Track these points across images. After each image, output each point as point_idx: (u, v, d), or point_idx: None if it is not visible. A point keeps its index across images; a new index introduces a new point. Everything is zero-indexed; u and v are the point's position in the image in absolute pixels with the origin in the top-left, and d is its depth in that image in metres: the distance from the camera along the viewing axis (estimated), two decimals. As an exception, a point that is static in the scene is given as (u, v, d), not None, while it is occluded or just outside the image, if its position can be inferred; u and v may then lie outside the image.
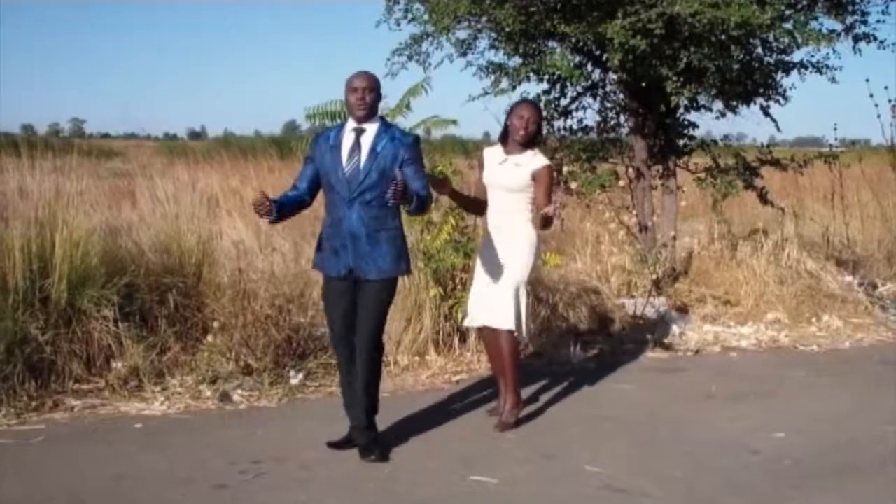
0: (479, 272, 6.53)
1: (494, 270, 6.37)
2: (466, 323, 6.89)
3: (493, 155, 6.59)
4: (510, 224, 6.45)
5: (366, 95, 5.74)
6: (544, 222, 6.36)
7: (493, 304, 6.38)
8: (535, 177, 6.43)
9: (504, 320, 6.35)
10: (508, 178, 6.46)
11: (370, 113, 5.80)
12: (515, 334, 6.43)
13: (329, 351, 7.19)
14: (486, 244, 6.54)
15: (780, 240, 10.56)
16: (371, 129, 5.79)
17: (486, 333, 6.62)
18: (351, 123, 5.84)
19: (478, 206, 6.69)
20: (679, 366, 8.39)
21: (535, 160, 6.49)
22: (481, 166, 6.64)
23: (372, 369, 5.91)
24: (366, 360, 5.84)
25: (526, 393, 7.27)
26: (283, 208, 5.69)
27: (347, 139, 5.78)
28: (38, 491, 5.25)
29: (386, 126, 5.93)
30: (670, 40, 9.22)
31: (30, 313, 6.87)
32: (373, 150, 5.73)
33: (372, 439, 5.90)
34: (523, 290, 6.43)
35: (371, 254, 5.72)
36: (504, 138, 6.61)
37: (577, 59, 10.38)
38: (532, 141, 6.55)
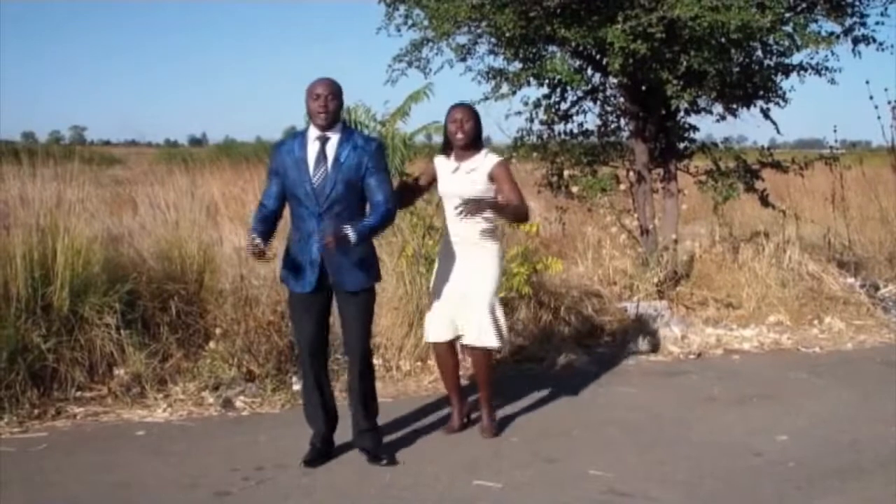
0: (446, 286, 6.27)
1: (465, 285, 6.18)
2: (432, 339, 6.38)
3: (445, 164, 6.35)
4: (473, 236, 6.23)
5: (328, 103, 5.62)
6: (510, 217, 6.44)
7: (471, 320, 6.20)
8: (492, 177, 6.22)
9: (485, 338, 6.20)
10: (464, 186, 6.20)
11: (333, 120, 5.69)
12: (496, 347, 6.32)
13: (331, 356, 7.16)
14: (448, 257, 6.30)
15: (781, 242, 10.57)
16: (334, 137, 5.69)
17: (440, 349, 6.39)
18: (314, 132, 5.68)
19: (404, 196, 6.45)
20: (681, 369, 8.39)
21: (487, 160, 6.26)
22: (431, 173, 6.44)
23: (368, 377, 5.97)
24: (361, 369, 5.87)
25: (529, 397, 7.29)
26: (267, 235, 5.61)
27: (312, 149, 5.66)
28: (40, 499, 5.26)
29: (349, 133, 5.84)
30: (670, 44, 9.21)
31: (32, 321, 6.87)
32: (336, 160, 5.63)
33: (378, 443, 5.96)
34: (497, 303, 6.32)
35: (345, 265, 5.66)
36: (447, 148, 6.41)
37: (578, 63, 10.37)
38: (475, 142, 6.31)
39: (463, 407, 6.53)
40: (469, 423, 6.54)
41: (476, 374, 6.47)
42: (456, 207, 6.12)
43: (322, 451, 5.88)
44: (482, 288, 6.22)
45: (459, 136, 6.21)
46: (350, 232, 5.43)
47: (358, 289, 5.74)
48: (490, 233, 6.31)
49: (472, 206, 6.00)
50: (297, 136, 5.81)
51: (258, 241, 5.47)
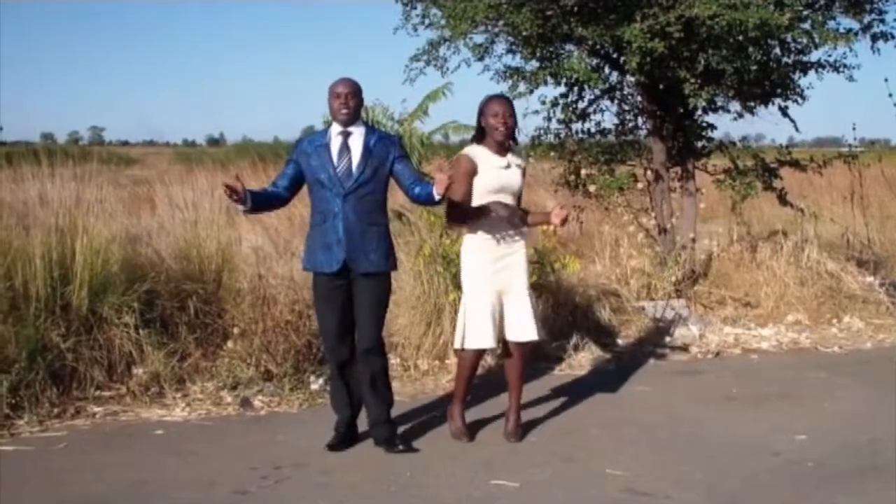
0: (488, 288, 6.08)
1: (505, 283, 6.14)
2: (485, 345, 6.11)
3: (489, 159, 6.10)
4: (514, 232, 6.17)
5: (348, 100, 5.97)
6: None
7: (521, 318, 6.13)
8: (524, 174, 6.31)
9: (536, 331, 6.17)
10: (516, 182, 6.17)
11: (353, 117, 6.02)
12: (540, 339, 6.31)
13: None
14: (488, 257, 6.10)
15: (799, 241, 10.53)
16: (357, 131, 6.02)
17: (474, 354, 6.17)
18: (336, 128, 6.03)
19: (464, 215, 6.17)
20: (699, 368, 8.37)
21: (520, 160, 6.30)
22: (472, 173, 6.07)
23: (381, 365, 6.13)
24: (374, 356, 6.05)
25: (546, 397, 7.29)
26: (258, 198, 5.87)
27: (335, 141, 5.99)
28: (60, 497, 5.28)
29: (370, 129, 6.20)
30: (688, 42, 9.20)
31: (51, 321, 6.91)
32: (366, 147, 5.97)
33: (393, 432, 6.11)
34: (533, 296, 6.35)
35: (363, 248, 5.92)
36: (480, 139, 6.22)
37: (595, 61, 10.37)
38: (514, 137, 6.30)
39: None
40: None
41: (517, 372, 6.33)
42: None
43: (346, 436, 6.12)
44: (524, 282, 6.21)
45: (503, 130, 6.10)
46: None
47: (374, 270, 5.96)
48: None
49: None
50: (321, 132, 6.20)
51: (243, 190, 5.69)
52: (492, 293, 6.09)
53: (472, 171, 6.08)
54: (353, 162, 5.92)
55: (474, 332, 6.09)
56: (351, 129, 5.99)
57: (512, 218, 6.05)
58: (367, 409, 6.15)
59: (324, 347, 6.22)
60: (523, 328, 6.16)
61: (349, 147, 5.96)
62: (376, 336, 6.05)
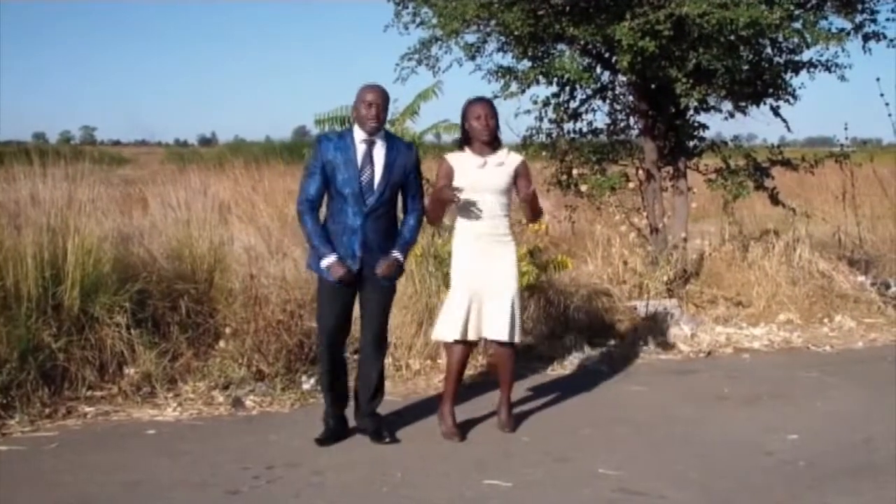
0: (470, 284, 6.21)
1: (490, 282, 6.21)
2: (455, 337, 6.22)
3: (466, 160, 6.29)
4: (499, 230, 6.27)
5: (379, 112, 5.98)
6: (533, 211, 6.46)
7: (501, 316, 6.20)
8: (518, 172, 6.31)
9: (514, 333, 6.26)
10: (497, 179, 6.25)
11: (380, 127, 6.03)
12: (521, 342, 6.40)
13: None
14: (469, 254, 6.26)
15: (791, 240, 10.54)
16: (379, 141, 6.04)
17: (460, 349, 6.28)
18: (360, 134, 6.02)
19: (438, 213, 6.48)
20: (691, 367, 8.38)
21: (512, 157, 6.36)
22: (449, 175, 6.28)
23: (381, 362, 6.33)
24: (378, 355, 6.26)
25: (539, 396, 7.29)
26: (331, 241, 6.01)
27: (360, 151, 5.99)
28: (51, 498, 5.26)
29: (391, 138, 6.22)
30: (679, 41, 9.20)
31: (42, 320, 6.88)
32: (386, 165, 6.00)
33: (380, 424, 6.27)
34: (520, 299, 6.42)
35: (382, 263, 6.03)
36: (465, 143, 6.39)
37: (586, 61, 10.35)
38: (497, 137, 6.37)
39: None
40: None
41: (502, 370, 6.45)
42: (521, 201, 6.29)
43: (335, 430, 6.22)
44: (512, 283, 6.27)
45: (486, 130, 6.23)
46: (398, 255, 6.07)
47: (389, 284, 6.14)
48: (510, 228, 6.39)
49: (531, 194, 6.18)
50: (344, 136, 6.14)
51: (350, 267, 5.95)
52: (471, 289, 6.20)
53: (451, 174, 6.27)
54: (375, 176, 5.97)
55: (443, 325, 6.30)
56: (374, 137, 6.02)
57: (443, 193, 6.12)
58: (357, 400, 6.34)
59: (319, 340, 6.29)
60: (498, 328, 6.23)
61: (372, 159, 5.99)
62: (384, 336, 6.33)
